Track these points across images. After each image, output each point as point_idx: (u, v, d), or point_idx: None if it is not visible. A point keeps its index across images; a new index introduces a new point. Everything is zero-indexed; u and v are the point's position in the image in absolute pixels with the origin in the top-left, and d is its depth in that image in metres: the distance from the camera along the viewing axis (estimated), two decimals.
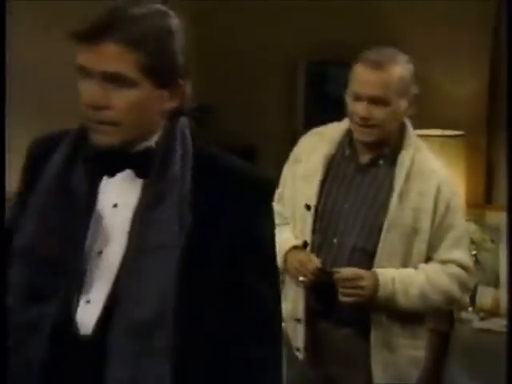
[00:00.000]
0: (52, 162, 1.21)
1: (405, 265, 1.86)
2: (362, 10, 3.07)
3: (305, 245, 1.92)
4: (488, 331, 2.48)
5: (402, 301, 1.84)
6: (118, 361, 1.14)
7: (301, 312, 1.92)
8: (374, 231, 1.85)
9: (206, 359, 1.16)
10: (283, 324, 1.83)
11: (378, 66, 1.82)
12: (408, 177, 1.86)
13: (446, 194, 1.86)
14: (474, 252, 2.46)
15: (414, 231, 1.84)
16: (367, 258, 1.85)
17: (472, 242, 2.43)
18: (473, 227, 2.55)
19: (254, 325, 1.21)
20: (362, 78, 1.84)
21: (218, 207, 1.17)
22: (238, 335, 1.18)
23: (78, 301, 1.17)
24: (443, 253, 1.87)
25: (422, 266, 1.87)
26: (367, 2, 3.06)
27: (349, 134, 1.93)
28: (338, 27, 3.11)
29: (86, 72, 1.13)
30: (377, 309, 1.86)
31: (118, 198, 1.19)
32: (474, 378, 2.38)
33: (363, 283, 1.81)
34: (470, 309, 2.52)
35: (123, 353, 1.13)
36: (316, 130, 2.02)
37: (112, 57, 1.11)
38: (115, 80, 1.12)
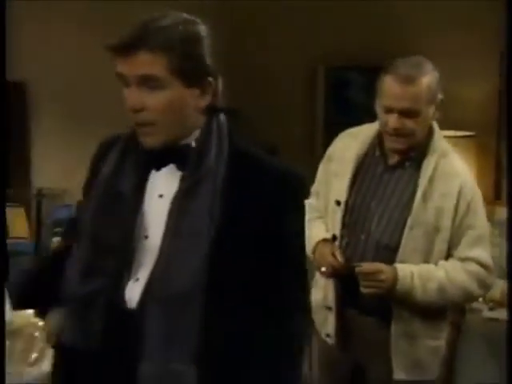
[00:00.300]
0: (109, 160, 1.35)
1: (426, 261, 1.92)
2: (379, 17, 3.18)
3: (334, 238, 2.00)
4: (496, 320, 2.58)
5: (420, 295, 1.90)
6: (151, 330, 1.24)
7: (331, 300, 2.01)
8: (398, 229, 1.91)
9: (229, 334, 1.26)
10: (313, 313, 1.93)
11: (407, 80, 1.86)
12: (432, 178, 1.92)
13: (468, 195, 1.92)
14: None
15: (436, 229, 1.90)
16: (391, 254, 1.92)
17: None
18: None
19: (279, 306, 1.29)
20: (393, 91, 1.88)
21: (249, 200, 1.26)
22: (260, 313, 1.27)
23: (127, 278, 1.29)
24: (463, 251, 1.93)
25: (442, 262, 1.93)
26: (384, 8, 3.17)
27: (379, 135, 1.99)
28: (357, 33, 3.22)
29: (125, 79, 1.25)
30: (397, 301, 1.92)
31: (164, 189, 1.30)
32: (483, 363, 2.50)
33: (383, 277, 1.88)
34: (480, 299, 2.61)
35: (156, 322, 1.24)
36: (349, 131, 2.10)
37: (145, 62, 1.22)
38: (149, 83, 1.23)
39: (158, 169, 1.30)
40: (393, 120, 1.88)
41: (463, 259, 1.93)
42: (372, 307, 1.96)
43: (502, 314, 2.60)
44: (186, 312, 1.23)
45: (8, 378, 0.96)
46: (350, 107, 3.33)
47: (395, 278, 1.89)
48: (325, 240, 2.00)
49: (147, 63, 1.22)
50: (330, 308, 2.02)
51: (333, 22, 3.31)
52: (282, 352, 1.29)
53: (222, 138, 1.31)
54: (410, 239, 1.90)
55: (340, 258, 1.94)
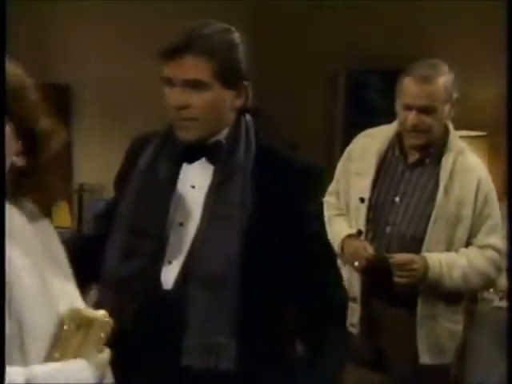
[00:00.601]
0: (146, 152, 1.42)
1: (448, 249, 2.01)
2: (398, 22, 3.27)
3: (359, 233, 2.06)
4: (506, 309, 2.68)
5: (447, 282, 1.99)
6: (193, 308, 1.32)
7: (356, 291, 2.06)
8: (423, 220, 2.00)
9: (263, 309, 1.34)
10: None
11: (425, 79, 1.96)
12: (452, 173, 2.01)
13: (485, 188, 2.03)
14: None
15: (458, 220, 2.01)
16: (416, 245, 2.01)
17: None
18: None
19: (309, 282, 1.36)
20: (412, 90, 1.98)
21: (275, 190, 1.35)
22: (291, 290, 1.36)
23: (162, 261, 1.36)
24: (481, 238, 2.02)
25: (463, 250, 2.02)
26: (403, 14, 3.26)
27: (398, 135, 2.07)
28: (376, 38, 3.30)
29: (169, 81, 1.34)
30: (424, 289, 2.01)
31: (195, 181, 1.38)
32: (493, 347, 2.63)
33: (415, 266, 1.96)
34: (491, 290, 2.75)
35: (198, 301, 1.32)
36: (367, 132, 2.17)
37: (190, 67, 1.31)
38: (193, 85, 1.32)
39: (190, 162, 1.39)
40: (412, 117, 1.97)
41: (482, 246, 2.03)
42: (396, 297, 2.02)
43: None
44: (224, 291, 1.31)
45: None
46: (369, 109, 3.39)
47: (426, 267, 1.97)
48: (350, 235, 2.07)
49: (193, 68, 1.31)
50: (354, 299, 2.07)
51: (354, 27, 3.39)
52: (316, 325, 1.36)
53: (250, 136, 1.40)
54: (435, 230, 1.99)
55: (373, 251, 2.00)
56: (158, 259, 1.36)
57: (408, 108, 1.99)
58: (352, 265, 2.05)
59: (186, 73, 1.31)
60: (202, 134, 1.37)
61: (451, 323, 2.07)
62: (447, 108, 2.02)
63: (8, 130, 1.00)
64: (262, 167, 1.37)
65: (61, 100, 3.15)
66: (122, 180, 1.47)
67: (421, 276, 1.98)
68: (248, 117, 1.42)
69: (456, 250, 2.03)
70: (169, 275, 1.36)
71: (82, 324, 1.00)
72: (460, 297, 2.12)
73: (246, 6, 3.48)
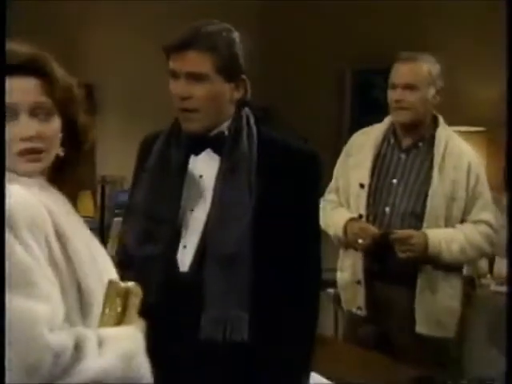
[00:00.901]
0: (156, 147, 1.50)
1: (446, 226, 2.14)
2: (403, 22, 3.37)
3: (360, 217, 2.19)
4: (502, 294, 2.79)
5: (447, 255, 2.11)
6: (209, 286, 1.40)
7: (360, 275, 2.17)
8: (420, 199, 2.12)
9: (270, 284, 1.42)
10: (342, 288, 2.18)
11: (409, 60, 2.15)
12: (444, 157, 2.13)
13: (476, 168, 2.17)
14: None
15: (452, 199, 2.13)
16: (416, 221, 2.13)
17: None
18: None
19: (301, 254, 1.44)
20: (397, 71, 2.17)
21: (278, 174, 1.43)
22: (292, 264, 1.45)
23: (177, 246, 1.43)
24: (475, 215, 2.16)
25: (459, 226, 2.16)
26: (406, 14, 3.35)
27: (392, 127, 2.21)
28: (382, 39, 3.39)
29: (174, 73, 1.41)
30: (425, 263, 2.11)
31: (203, 171, 1.46)
32: (490, 329, 2.75)
33: (415, 241, 2.07)
34: (489, 276, 2.90)
35: (213, 279, 1.40)
36: (363, 130, 2.32)
37: (194, 61, 1.38)
38: (196, 77, 1.39)
39: (197, 154, 1.45)
40: (397, 93, 2.14)
41: (475, 222, 2.16)
42: (398, 276, 2.13)
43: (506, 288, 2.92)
44: (236, 268, 1.40)
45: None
46: (374, 107, 3.35)
47: (426, 242, 2.08)
48: (352, 219, 2.18)
49: (196, 61, 1.38)
50: (359, 282, 2.18)
51: (360, 28, 3.49)
52: (308, 292, 1.48)
53: (251, 127, 1.46)
54: (433, 207, 2.11)
55: (376, 229, 2.11)
56: (173, 244, 1.43)
57: (393, 87, 2.16)
58: (356, 244, 2.16)
59: (190, 66, 1.39)
60: (204, 125, 1.44)
61: (450, 299, 2.17)
62: (431, 91, 2.14)
63: (57, 123, 1.08)
64: (264, 155, 1.45)
65: (85, 98, 3.29)
66: (136, 176, 1.54)
67: (421, 250, 2.09)
68: (247, 110, 1.48)
69: (453, 226, 2.16)
70: (185, 258, 1.44)
71: (120, 293, 1.08)
72: (458, 274, 2.22)
73: (257, 9, 3.62)
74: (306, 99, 3.64)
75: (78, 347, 0.99)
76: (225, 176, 1.44)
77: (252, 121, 1.48)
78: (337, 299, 2.80)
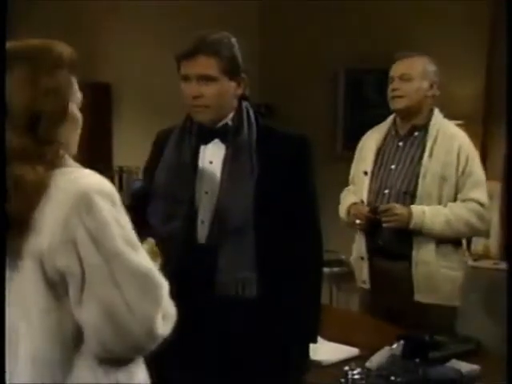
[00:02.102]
0: (172, 140, 1.68)
1: (439, 204, 2.27)
2: (392, 27, 3.59)
3: (362, 202, 2.40)
4: (478, 268, 3.16)
5: (431, 226, 2.22)
6: (223, 253, 1.60)
7: (364, 251, 2.37)
8: (413, 179, 2.29)
9: (274, 248, 1.60)
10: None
11: (406, 56, 2.36)
12: (435, 140, 2.28)
13: (466, 150, 2.29)
14: None
15: (443, 178, 2.26)
16: (411, 200, 2.28)
17: None
18: None
19: (302, 224, 1.64)
20: (395, 66, 2.36)
21: (275, 155, 1.61)
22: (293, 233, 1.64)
23: (196, 222, 1.63)
24: (465, 193, 2.28)
25: (449, 204, 2.28)
26: (395, 19, 3.57)
27: (393, 121, 2.39)
28: (372, 41, 3.61)
29: (186, 77, 1.59)
30: (416, 236, 2.25)
31: (212, 158, 1.65)
32: (469, 298, 2.93)
33: (398, 211, 2.24)
34: (467, 253, 3.10)
35: (226, 247, 1.59)
36: (373, 128, 2.50)
37: (203, 65, 1.57)
38: (205, 79, 1.57)
39: (206, 143, 1.65)
40: (392, 84, 2.34)
41: (465, 200, 2.29)
42: (394, 253, 2.29)
43: (482, 263, 3.23)
44: (245, 237, 1.60)
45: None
46: (366, 104, 3.64)
47: (410, 213, 2.24)
48: (354, 203, 2.42)
49: (205, 65, 1.57)
50: (362, 258, 2.37)
51: (353, 32, 3.68)
52: (310, 258, 1.67)
53: (250, 118, 1.65)
54: (425, 186, 2.26)
55: (366, 208, 2.33)
56: (192, 220, 1.63)
57: (391, 80, 2.37)
58: (355, 224, 2.39)
59: (200, 69, 1.59)
60: (213, 118, 1.63)
61: (445, 269, 2.31)
62: (425, 84, 2.32)
63: None
64: (263, 141, 1.64)
65: (102, 96, 3.44)
66: (151, 165, 1.71)
67: (405, 220, 2.25)
68: (247, 103, 1.68)
69: (445, 205, 2.29)
70: (202, 232, 1.65)
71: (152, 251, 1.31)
72: (453, 246, 2.34)
73: (259, 13, 3.78)
74: (303, 96, 3.81)
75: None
76: (230, 160, 1.63)
77: (251, 112, 1.67)
78: (331, 277, 3.12)
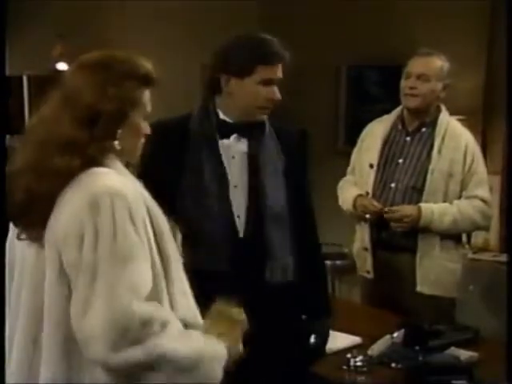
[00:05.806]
0: (192, 135, 1.69)
1: (444, 201, 2.32)
2: (392, 24, 3.60)
3: (367, 194, 2.42)
4: (478, 260, 3.21)
5: (439, 225, 2.28)
6: (270, 241, 1.67)
7: (367, 243, 2.40)
8: (421, 174, 2.32)
9: (306, 233, 1.77)
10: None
11: (425, 54, 2.37)
12: (444, 137, 2.32)
13: (472, 148, 2.35)
14: None
15: (450, 175, 2.31)
16: (416, 195, 2.32)
17: None
18: None
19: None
20: (413, 62, 2.36)
21: (289, 149, 1.75)
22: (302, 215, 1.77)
23: (233, 216, 1.68)
24: (470, 191, 2.32)
25: (456, 201, 2.33)
26: (396, 16, 3.58)
27: (400, 116, 2.41)
28: (373, 39, 3.63)
29: (270, 81, 1.67)
30: (422, 232, 2.30)
31: (234, 152, 1.71)
32: (469, 289, 3.04)
33: (408, 220, 2.28)
34: (467, 246, 3.13)
35: (270, 236, 1.68)
36: (376, 120, 2.54)
37: (281, 71, 1.69)
38: (276, 82, 1.68)
39: (228, 137, 1.70)
40: (410, 81, 2.35)
41: (470, 197, 2.34)
42: (399, 243, 2.33)
43: (482, 256, 3.28)
44: (283, 225, 1.70)
45: None
46: (366, 98, 3.68)
47: (419, 215, 2.28)
48: (360, 195, 2.42)
49: (280, 71, 1.69)
50: (366, 249, 2.40)
51: (355, 29, 3.71)
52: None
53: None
54: (432, 181, 2.30)
55: (378, 205, 2.35)
56: (229, 215, 1.68)
57: (408, 76, 2.37)
58: (363, 217, 2.42)
59: (280, 74, 1.71)
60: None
61: (447, 261, 2.36)
62: (439, 85, 2.35)
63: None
64: (280, 136, 1.76)
65: None
66: (152, 159, 1.56)
67: (412, 225, 2.31)
68: None
69: (451, 202, 2.34)
70: (240, 225, 1.70)
71: (226, 317, 1.24)
72: (455, 241, 2.39)
73: (259, 12, 3.80)
74: (305, 91, 3.83)
75: (163, 324, 1.10)
76: (258, 154, 1.70)
77: None
78: (334, 270, 3.16)
